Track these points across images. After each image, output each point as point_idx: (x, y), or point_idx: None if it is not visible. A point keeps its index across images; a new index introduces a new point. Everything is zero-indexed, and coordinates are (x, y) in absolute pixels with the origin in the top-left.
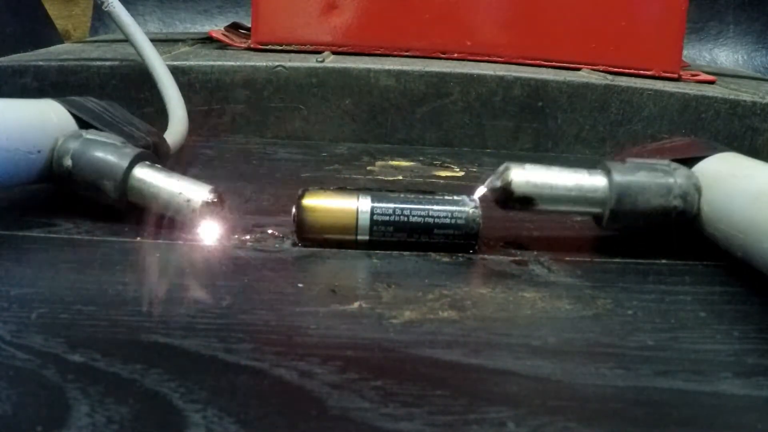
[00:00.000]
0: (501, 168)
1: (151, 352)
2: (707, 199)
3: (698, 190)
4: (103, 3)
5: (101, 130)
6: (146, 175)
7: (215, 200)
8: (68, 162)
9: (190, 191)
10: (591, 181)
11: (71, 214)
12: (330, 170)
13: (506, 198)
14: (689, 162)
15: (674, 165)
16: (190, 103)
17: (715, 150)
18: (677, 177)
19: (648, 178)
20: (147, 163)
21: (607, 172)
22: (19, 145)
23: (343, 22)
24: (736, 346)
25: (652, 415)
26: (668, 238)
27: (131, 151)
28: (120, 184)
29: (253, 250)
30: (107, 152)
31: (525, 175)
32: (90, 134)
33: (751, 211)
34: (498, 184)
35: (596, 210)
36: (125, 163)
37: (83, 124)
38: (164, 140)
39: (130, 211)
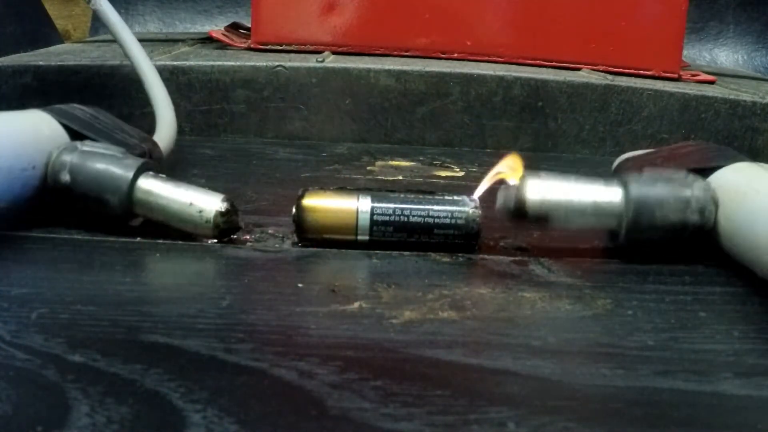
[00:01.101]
0: (518, 182)
1: (151, 352)
2: (725, 213)
3: (715, 203)
4: (90, 2)
5: (95, 140)
6: (152, 186)
7: (229, 209)
8: (66, 177)
9: (201, 201)
10: (607, 195)
11: (71, 215)
12: (330, 170)
13: (519, 216)
14: (704, 171)
15: (691, 177)
16: (191, 103)
17: (729, 158)
18: (695, 190)
19: (665, 191)
20: (151, 173)
21: (624, 186)
22: (13, 162)
23: (343, 22)
24: (736, 346)
25: (652, 415)
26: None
27: (133, 162)
28: (125, 198)
29: (253, 250)
30: (108, 164)
31: (540, 193)
32: (86, 146)
33: None
34: (511, 205)
35: (612, 226)
36: (129, 175)
37: (74, 134)
38: (157, 146)
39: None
